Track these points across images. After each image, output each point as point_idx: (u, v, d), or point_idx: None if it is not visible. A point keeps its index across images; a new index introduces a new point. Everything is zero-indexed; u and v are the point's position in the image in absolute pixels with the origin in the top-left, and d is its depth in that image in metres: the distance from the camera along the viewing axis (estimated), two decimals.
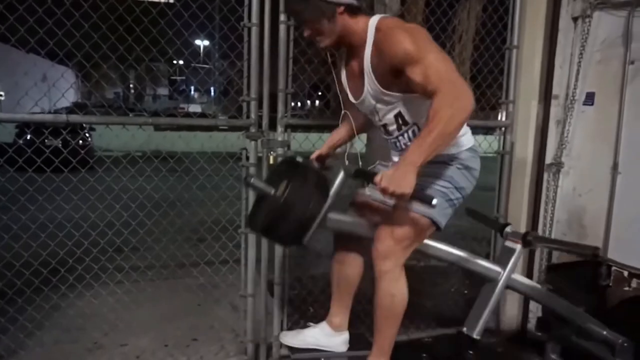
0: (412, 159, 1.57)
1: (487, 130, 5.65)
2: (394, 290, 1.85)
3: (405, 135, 1.91)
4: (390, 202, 1.93)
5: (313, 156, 2.15)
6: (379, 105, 1.88)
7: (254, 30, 2.50)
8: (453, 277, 4.19)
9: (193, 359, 2.79)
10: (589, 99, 2.91)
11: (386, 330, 1.91)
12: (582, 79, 2.90)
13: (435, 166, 1.85)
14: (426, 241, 1.93)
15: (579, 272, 2.91)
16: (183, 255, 3.94)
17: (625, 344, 2.25)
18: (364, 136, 2.83)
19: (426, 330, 3.17)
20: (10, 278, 2.62)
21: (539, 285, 2.30)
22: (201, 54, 25.75)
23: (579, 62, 2.88)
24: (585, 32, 2.84)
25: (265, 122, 2.61)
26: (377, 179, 1.59)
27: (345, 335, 2.17)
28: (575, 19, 2.93)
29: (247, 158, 2.61)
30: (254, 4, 2.47)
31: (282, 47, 2.58)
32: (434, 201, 1.57)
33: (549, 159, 3.02)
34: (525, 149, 3.08)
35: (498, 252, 3.21)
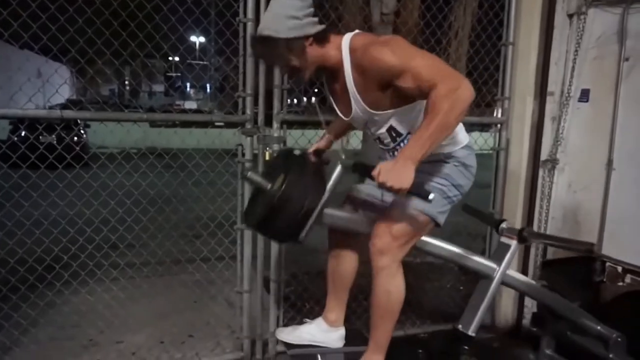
0: (411, 152, 1.53)
1: (483, 127, 5.66)
2: (390, 286, 1.85)
3: (402, 144, 1.88)
4: (388, 198, 1.93)
5: (311, 150, 2.14)
6: (369, 123, 1.88)
7: (250, 26, 2.49)
8: (449, 274, 4.21)
9: (189, 355, 2.79)
10: (584, 95, 2.92)
11: (382, 326, 1.91)
12: (577, 75, 2.91)
13: (432, 164, 1.85)
14: (422, 237, 1.93)
15: (574, 268, 2.93)
16: (179, 251, 3.94)
17: (619, 339, 2.27)
18: (360, 132, 2.83)
19: (422, 326, 3.18)
20: (5, 275, 2.60)
21: (533, 282, 2.31)
22: (197, 50, 25.65)
23: (574, 58, 2.89)
24: (581, 29, 2.84)
25: (261, 118, 2.60)
26: (375, 172, 1.54)
27: (341, 331, 2.17)
28: (570, 16, 2.94)
29: (243, 154, 2.61)
30: None
31: None
32: (431, 196, 1.53)
33: (544, 155, 3.03)
34: (520, 146, 3.09)
35: (493, 249, 3.23)
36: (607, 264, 2.75)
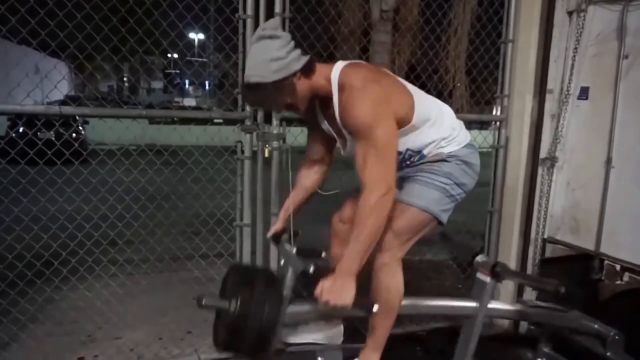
0: (348, 268, 1.59)
1: (482, 125, 5.66)
2: (390, 283, 1.85)
3: (407, 161, 1.89)
4: None
5: (269, 235, 2.10)
6: None
7: (249, 22, 2.48)
8: (448, 272, 4.21)
9: (187, 351, 2.79)
10: (584, 93, 2.92)
11: (381, 323, 1.92)
12: (576, 73, 2.91)
13: (435, 164, 1.85)
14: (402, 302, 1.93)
15: (572, 266, 2.94)
16: (178, 248, 3.93)
17: (617, 337, 2.27)
18: None
19: (420, 324, 3.18)
20: (3, 270, 2.60)
21: (519, 305, 2.30)
22: (195, 47, 25.60)
23: (574, 56, 2.88)
24: (580, 26, 2.84)
25: (260, 115, 2.60)
26: (317, 292, 1.60)
27: (339, 328, 2.17)
28: (570, 13, 2.93)
29: (242, 151, 2.60)
30: None
31: None
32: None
33: (543, 153, 3.03)
34: (519, 144, 3.09)
35: (492, 247, 3.24)
36: (606, 262, 2.76)
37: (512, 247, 3.15)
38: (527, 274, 2.96)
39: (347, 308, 1.59)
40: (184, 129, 4.20)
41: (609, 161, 2.76)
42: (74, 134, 9.99)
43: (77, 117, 9.16)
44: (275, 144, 2.60)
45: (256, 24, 2.49)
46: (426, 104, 1.86)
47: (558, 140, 2.99)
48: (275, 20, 1.76)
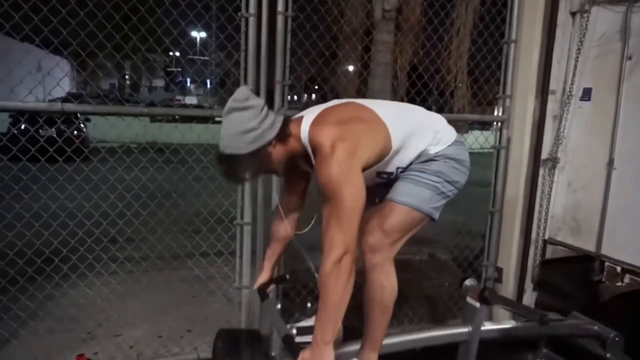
0: (322, 337, 1.59)
1: (484, 125, 5.65)
2: (384, 282, 1.85)
3: (395, 174, 1.88)
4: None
5: (256, 286, 2.09)
6: None
7: (252, 21, 2.48)
8: (448, 272, 4.21)
9: (187, 350, 2.79)
10: (586, 94, 2.91)
11: (377, 322, 1.91)
12: (579, 74, 2.90)
13: (424, 163, 1.84)
14: (387, 340, 1.94)
15: (573, 268, 2.94)
16: (178, 246, 3.93)
17: (617, 339, 2.27)
18: None
19: (420, 324, 3.18)
20: (4, 267, 2.60)
21: (514, 323, 2.30)
22: (197, 45, 25.60)
23: (577, 57, 2.88)
24: (583, 27, 2.83)
25: None
26: None
27: (339, 328, 2.17)
28: (573, 14, 2.93)
29: None
30: None
31: (279, 38, 2.56)
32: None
33: (545, 154, 3.02)
34: (521, 144, 3.08)
35: (492, 249, 3.23)
36: (606, 263, 2.75)
37: (512, 248, 3.14)
38: (514, 301, 2.94)
39: None
40: (186, 127, 4.20)
41: (610, 163, 2.76)
42: (75, 131, 9.99)
43: (78, 115, 9.17)
44: None
45: (258, 23, 2.49)
46: (401, 123, 1.81)
47: (560, 141, 2.98)
48: (244, 90, 1.69)
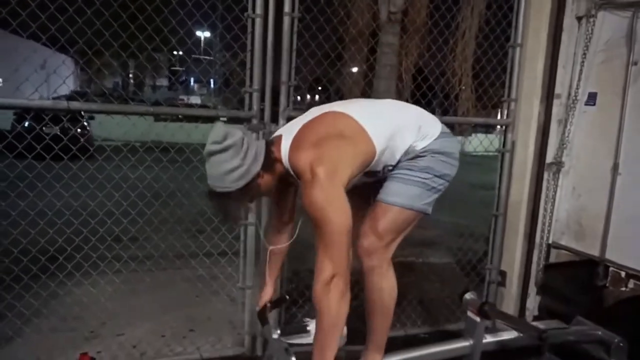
0: (321, 357, 1.59)
1: (488, 129, 5.66)
2: (382, 284, 1.85)
3: (382, 173, 1.88)
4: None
5: (259, 307, 2.09)
6: None
7: (258, 22, 2.49)
8: (450, 274, 4.20)
9: (190, 349, 2.79)
10: (591, 99, 2.91)
11: (378, 324, 1.92)
12: (584, 79, 2.89)
13: (412, 160, 1.83)
14: (389, 357, 1.97)
15: (577, 272, 2.93)
16: (182, 246, 3.94)
17: (621, 344, 2.26)
18: None
19: (422, 327, 3.18)
20: (8, 265, 2.61)
21: (515, 333, 2.29)
22: (202, 45, 25.64)
23: (582, 61, 2.87)
24: (589, 31, 2.83)
25: (267, 114, 2.60)
26: None
27: (343, 331, 2.17)
28: (579, 19, 2.92)
29: None
30: None
31: (285, 39, 2.57)
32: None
33: (549, 158, 3.02)
34: (526, 148, 3.08)
35: (496, 252, 3.23)
36: (611, 268, 2.74)
37: (516, 252, 3.14)
38: (514, 316, 2.92)
39: None
40: (191, 127, 4.20)
41: (615, 167, 2.75)
42: (80, 130, 10.01)
43: (82, 113, 9.18)
44: None
45: (265, 24, 2.50)
46: (382, 124, 1.79)
47: (564, 146, 2.98)
48: (220, 129, 1.65)
